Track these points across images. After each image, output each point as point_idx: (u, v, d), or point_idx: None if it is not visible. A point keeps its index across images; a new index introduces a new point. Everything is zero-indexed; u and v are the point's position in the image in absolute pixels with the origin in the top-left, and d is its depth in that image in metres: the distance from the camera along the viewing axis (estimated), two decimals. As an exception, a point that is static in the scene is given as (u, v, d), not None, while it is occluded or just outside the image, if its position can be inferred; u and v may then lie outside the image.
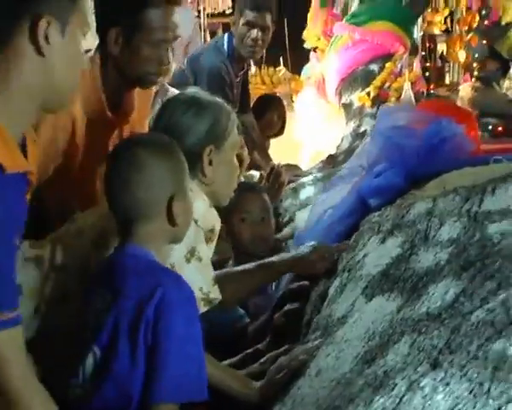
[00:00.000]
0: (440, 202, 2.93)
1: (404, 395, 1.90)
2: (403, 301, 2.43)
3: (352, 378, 2.14)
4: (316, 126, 6.47)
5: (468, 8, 7.32)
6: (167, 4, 3.42)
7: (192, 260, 2.69)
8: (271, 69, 8.14)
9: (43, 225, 2.98)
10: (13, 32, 2.21)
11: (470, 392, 1.87)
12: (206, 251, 2.82)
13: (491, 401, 1.83)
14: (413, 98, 6.29)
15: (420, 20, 6.79)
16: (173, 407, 2.40)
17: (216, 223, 2.86)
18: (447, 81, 7.16)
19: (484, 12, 6.96)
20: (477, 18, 7.17)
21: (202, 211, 2.79)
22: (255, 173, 4.82)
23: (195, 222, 2.70)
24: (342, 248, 3.09)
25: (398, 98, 6.33)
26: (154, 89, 4.92)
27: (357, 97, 6.39)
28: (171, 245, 2.65)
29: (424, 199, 3.00)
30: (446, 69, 7.21)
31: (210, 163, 2.85)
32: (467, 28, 7.15)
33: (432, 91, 6.80)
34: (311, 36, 7.12)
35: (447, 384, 1.90)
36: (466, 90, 6.60)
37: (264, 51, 8.77)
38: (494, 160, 3.21)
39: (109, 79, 3.47)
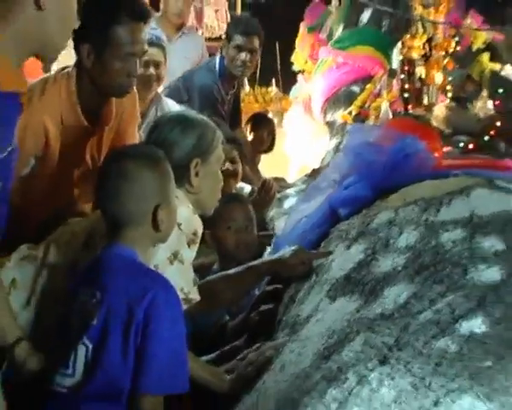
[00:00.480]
0: (401, 211, 2.93)
1: (353, 388, 1.91)
2: (362, 302, 2.44)
3: (311, 373, 2.14)
4: (302, 142, 6.46)
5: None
6: (135, 21, 3.41)
7: (175, 263, 2.67)
8: (264, 89, 8.14)
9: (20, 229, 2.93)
10: None
11: (413, 386, 1.87)
12: (189, 254, 2.80)
13: (430, 393, 1.84)
14: (391, 116, 6.28)
15: (399, 45, 6.65)
16: (158, 399, 2.39)
17: (198, 228, 2.84)
18: (425, 102, 7.05)
19: (457, 39, 6.89)
20: (453, 44, 7.09)
21: (186, 216, 2.77)
22: (245, 186, 4.79)
23: (179, 226, 2.69)
24: (321, 255, 3.06)
25: (377, 117, 6.31)
26: (150, 97, 4.99)
27: (340, 116, 6.38)
28: (155, 247, 2.63)
29: (387, 209, 3.01)
30: (424, 91, 7.09)
31: (196, 174, 2.85)
32: (443, 53, 7.02)
33: (410, 111, 6.69)
34: (298, 59, 7.15)
35: (392, 379, 1.91)
36: (440, 109, 6.56)
37: (258, 72, 8.81)
38: (453, 174, 3.19)
39: (85, 91, 3.49)
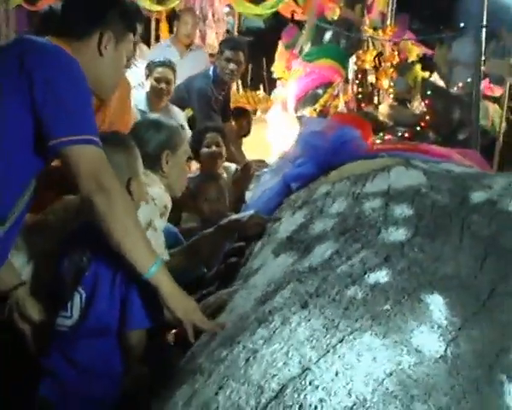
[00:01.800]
0: (336, 185, 2.85)
1: (277, 328, 1.80)
2: (297, 257, 2.34)
3: (249, 314, 2.03)
4: (281, 132, 6.39)
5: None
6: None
7: (149, 229, 2.61)
8: (254, 92, 8.08)
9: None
10: (90, 34, 2.38)
11: (324, 326, 1.76)
12: (160, 223, 2.77)
13: (337, 332, 1.74)
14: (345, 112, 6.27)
15: (354, 58, 6.58)
16: (141, 332, 2.34)
17: (168, 203, 2.86)
18: (375, 102, 6.97)
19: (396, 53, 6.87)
20: (396, 57, 7.06)
21: (159, 194, 2.79)
22: (231, 165, 4.71)
23: (153, 200, 2.65)
24: (272, 220, 2.97)
25: (335, 113, 6.26)
26: (160, 106, 4.94)
27: (308, 112, 6.31)
28: None
29: (326, 183, 2.92)
30: (375, 93, 7.02)
31: (167, 163, 2.83)
32: (389, 64, 6.98)
33: (362, 109, 6.63)
34: (278, 69, 7.18)
35: (308, 320, 1.81)
36: (385, 107, 6.54)
37: (249, 79, 8.75)
38: (380, 156, 3.11)
39: None
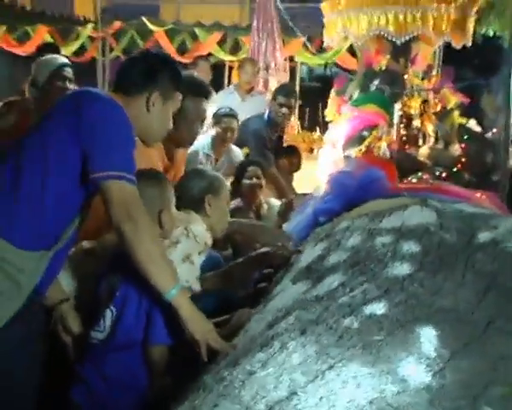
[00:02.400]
0: (356, 221, 2.80)
1: (275, 353, 1.75)
2: (310, 286, 2.27)
3: (256, 337, 2.00)
4: (328, 169, 6.32)
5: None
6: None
7: (187, 262, 2.59)
8: (309, 133, 8.09)
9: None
10: (140, 92, 2.45)
11: (316, 353, 1.70)
12: (197, 259, 2.69)
13: (329, 359, 1.66)
14: (388, 154, 6.16)
15: (399, 104, 6.51)
16: (163, 348, 2.35)
17: (208, 241, 2.79)
18: (420, 143, 6.90)
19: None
20: (439, 105, 6.97)
21: (200, 232, 2.73)
22: (276, 201, 4.63)
23: (195, 238, 2.63)
24: (295, 251, 2.95)
25: (379, 153, 6.19)
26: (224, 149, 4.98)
27: (354, 152, 6.23)
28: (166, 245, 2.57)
29: (348, 219, 2.85)
30: (419, 136, 6.94)
31: (209, 205, 2.77)
32: (433, 111, 6.90)
33: (405, 150, 6.55)
34: (329, 113, 7.09)
35: (304, 346, 1.74)
36: (425, 149, 6.45)
37: (307, 122, 8.74)
38: (401, 195, 3.02)
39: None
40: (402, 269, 2.18)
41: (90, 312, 2.51)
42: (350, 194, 3.11)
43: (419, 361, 1.70)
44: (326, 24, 6.46)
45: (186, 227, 2.65)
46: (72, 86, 4.25)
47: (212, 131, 5.07)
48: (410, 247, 2.34)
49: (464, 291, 2.09)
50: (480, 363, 1.78)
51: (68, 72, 4.28)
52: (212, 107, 5.39)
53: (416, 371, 1.66)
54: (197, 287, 2.62)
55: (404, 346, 1.74)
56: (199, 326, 2.22)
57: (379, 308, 1.91)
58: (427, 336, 1.80)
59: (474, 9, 5.74)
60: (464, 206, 2.95)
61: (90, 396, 2.36)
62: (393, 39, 5.86)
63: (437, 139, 7.17)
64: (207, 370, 1.97)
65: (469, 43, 6.12)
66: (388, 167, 3.55)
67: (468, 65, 7.66)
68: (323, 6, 6.40)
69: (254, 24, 7.56)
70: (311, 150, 7.88)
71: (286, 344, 1.74)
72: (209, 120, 4.97)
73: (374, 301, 1.95)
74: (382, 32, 5.85)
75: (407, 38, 5.85)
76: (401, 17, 5.63)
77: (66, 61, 4.44)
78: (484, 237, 2.40)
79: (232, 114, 5.10)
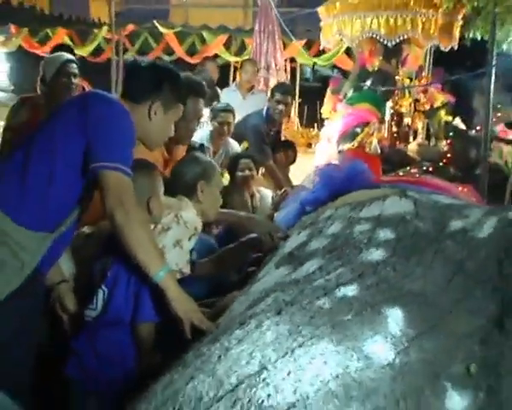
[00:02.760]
0: (339, 210, 2.77)
1: (251, 331, 1.74)
2: (291, 271, 2.25)
3: (236, 317, 1.99)
4: (324, 162, 6.32)
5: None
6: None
7: (177, 247, 2.59)
8: (308, 129, 8.07)
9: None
10: (143, 100, 2.47)
11: (289, 331, 1.69)
12: (188, 244, 2.70)
13: (299, 337, 1.66)
14: (378, 149, 6.16)
15: (391, 103, 6.49)
16: (150, 325, 2.35)
17: (198, 226, 2.78)
18: (411, 140, 6.88)
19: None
20: (428, 104, 6.95)
21: (191, 218, 2.72)
22: (268, 192, 4.61)
23: (185, 224, 2.64)
24: (283, 237, 2.95)
25: (370, 149, 6.19)
26: (222, 142, 4.96)
27: (347, 148, 6.22)
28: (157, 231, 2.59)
29: (331, 208, 2.83)
30: (410, 133, 6.93)
31: (202, 191, 2.76)
32: (423, 109, 6.87)
33: (395, 146, 6.54)
34: (325, 111, 7.09)
35: (277, 325, 1.73)
36: (413, 145, 6.45)
37: (305, 119, 8.71)
38: (382, 186, 3.02)
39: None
40: (376, 254, 2.17)
41: (86, 292, 2.52)
42: (336, 185, 3.09)
43: (385, 340, 1.69)
44: (323, 27, 6.46)
45: (177, 214, 2.65)
46: (76, 81, 4.28)
47: (210, 126, 5.06)
48: (386, 234, 2.32)
49: (433, 276, 2.08)
50: (443, 343, 1.77)
51: (73, 67, 4.30)
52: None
53: (381, 349, 1.65)
54: (187, 270, 2.62)
55: (372, 325, 1.73)
56: (184, 306, 2.24)
57: (351, 290, 1.89)
58: (395, 317, 1.79)
59: (461, 15, 5.73)
60: (441, 197, 2.93)
61: (82, 370, 2.39)
62: (385, 41, 5.85)
63: (429, 136, 7.16)
64: (191, 347, 1.97)
65: (456, 46, 6.08)
66: (373, 161, 3.56)
67: (458, 66, 7.60)
68: (320, 10, 6.40)
69: (256, 27, 7.55)
70: (310, 145, 7.89)
71: (261, 323, 1.73)
72: (207, 114, 4.99)
73: (347, 284, 1.94)
74: (374, 35, 5.86)
75: (397, 40, 5.84)
76: (392, 21, 5.64)
77: (70, 57, 4.45)
78: (455, 225, 2.39)
79: (229, 109, 5.07)
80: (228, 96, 6.49)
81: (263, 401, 1.40)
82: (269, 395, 1.42)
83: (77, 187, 2.35)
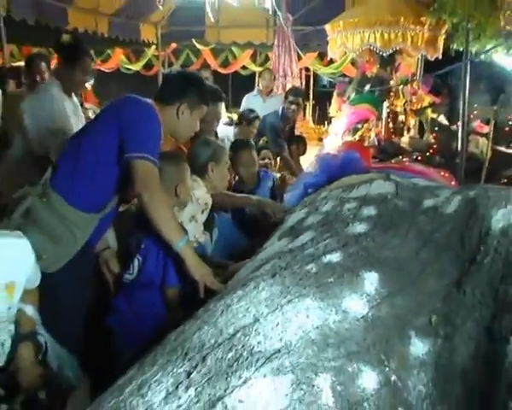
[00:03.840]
0: (333, 191, 2.73)
1: (250, 290, 1.72)
2: (289, 242, 2.22)
3: (240, 280, 1.98)
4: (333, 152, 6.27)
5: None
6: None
7: (192, 222, 2.61)
8: (319, 126, 8.01)
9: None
10: (172, 102, 2.48)
11: (280, 291, 1.69)
12: (201, 217, 2.72)
13: (288, 295, 1.69)
14: (376, 142, 6.07)
15: (387, 103, 6.38)
16: (174, 289, 2.35)
17: (208, 201, 2.77)
18: (404, 134, 6.77)
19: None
20: (417, 104, 6.85)
21: (202, 195, 2.72)
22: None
23: (197, 201, 2.62)
24: (285, 214, 2.91)
25: (369, 142, 6.11)
26: None
27: (349, 140, 6.16)
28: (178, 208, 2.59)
29: (327, 190, 2.79)
30: (404, 128, 6.83)
31: (212, 171, 2.74)
32: (415, 108, 6.76)
33: (391, 139, 6.42)
34: (332, 110, 7.06)
35: (271, 286, 1.72)
36: (406, 138, 6.34)
37: (317, 117, 8.62)
38: (371, 172, 2.97)
39: None
40: (359, 228, 2.13)
41: (125, 259, 2.54)
42: (332, 171, 3.05)
43: (360, 298, 1.67)
44: (330, 41, 6.38)
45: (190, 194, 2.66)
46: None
47: (236, 128, 5.01)
48: (369, 211, 2.29)
49: (406, 245, 2.05)
50: (411, 300, 1.76)
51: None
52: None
53: (356, 305, 1.64)
54: (202, 239, 2.63)
55: (350, 286, 1.71)
56: (199, 271, 2.24)
57: (335, 257, 1.87)
58: (371, 279, 1.77)
59: (443, 30, 5.62)
60: (419, 180, 2.88)
61: (120, 323, 2.41)
62: (380, 52, 5.77)
63: (421, 131, 7.04)
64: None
65: (440, 56, 5.97)
66: (365, 152, 3.50)
67: (445, 73, 7.49)
68: (327, 28, 6.34)
69: (275, 43, 7.49)
70: (321, 139, 7.81)
71: (258, 284, 1.71)
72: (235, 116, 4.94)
73: (332, 251, 1.91)
74: (372, 47, 5.78)
75: (391, 51, 5.76)
76: (386, 35, 5.57)
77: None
78: (427, 203, 2.35)
79: (258, 117, 5.03)
80: (251, 100, 6.47)
81: (253, 347, 1.40)
82: (259, 343, 1.41)
83: (116, 175, 2.37)
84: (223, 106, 4.12)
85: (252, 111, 5.06)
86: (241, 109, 6.57)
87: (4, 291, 1.95)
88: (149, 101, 2.46)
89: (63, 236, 2.29)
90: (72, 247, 2.31)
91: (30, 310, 2.10)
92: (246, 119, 4.95)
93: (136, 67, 12.58)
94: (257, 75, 10.50)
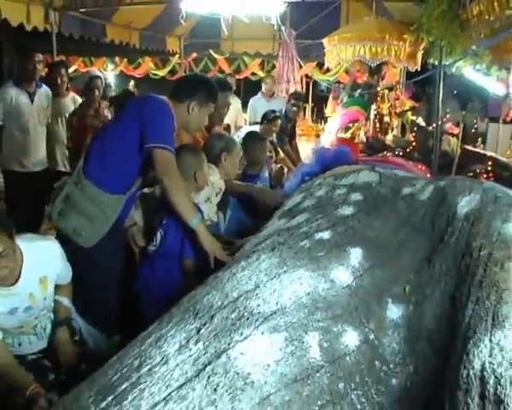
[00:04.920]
0: (326, 179, 2.68)
1: (252, 262, 1.70)
2: (287, 221, 2.20)
3: (245, 253, 1.95)
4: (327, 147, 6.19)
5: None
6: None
7: (207, 203, 2.59)
8: (317, 124, 7.92)
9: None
10: (184, 100, 2.45)
11: (278, 262, 1.68)
12: (215, 200, 2.71)
13: (285, 266, 1.64)
14: (364, 139, 6.00)
15: (374, 106, 6.29)
16: (190, 261, 2.32)
17: (222, 186, 2.75)
18: (388, 133, 6.68)
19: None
20: (400, 108, 6.76)
21: (216, 180, 2.69)
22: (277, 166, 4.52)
23: (212, 185, 2.60)
24: (284, 198, 2.83)
25: (358, 139, 6.04)
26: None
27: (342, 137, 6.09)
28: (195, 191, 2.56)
29: (321, 178, 2.75)
30: (389, 128, 6.72)
31: (225, 160, 2.72)
32: (398, 111, 6.67)
33: (377, 137, 6.32)
34: (328, 111, 7.01)
35: (270, 258, 1.72)
36: (390, 136, 6.25)
37: (315, 117, 8.54)
38: (359, 164, 2.94)
39: None
40: (347, 210, 2.11)
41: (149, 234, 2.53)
42: (326, 162, 3.00)
43: (346, 269, 1.66)
44: (326, 53, 6.30)
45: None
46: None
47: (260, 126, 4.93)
48: (356, 196, 2.26)
49: (387, 226, 2.03)
50: (389, 273, 1.74)
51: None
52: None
53: (343, 275, 1.63)
54: (215, 218, 2.61)
55: (338, 259, 1.70)
56: (210, 244, 2.23)
57: (325, 235, 1.85)
58: (355, 254, 1.76)
59: (422, 46, 5.55)
60: (399, 171, 2.85)
61: (145, 287, 2.40)
62: (369, 63, 5.70)
63: (403, 131, 6.95)
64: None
65: (419, 68, 5.90)
66: (354, 147, 3.45)
67: (423, 83, 7.40)
68: (325, 41, 6.25)
69: (280, 53, 7.40)
70: (318, 136, 7.70)
71: (260, 257, 1.70)
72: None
73: (323, 230, 1.89)
74: (362, 58, 5.70)
75: (378, 62, 5.69)
76: (374, 48, 5.51)
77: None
78: (405, 191, 2.32)
79: (278, 116, 4.97)
80: (256, 101, 6.44)
81: (253, 309, 1.39)
82: (258, 305, 1.40)
83: (137, 161, 2.35)
84: (236, 99, 3.93)
85: (273, 111, 5.03)
86: (248, 110, 6.58)
87: (39, 284, 1.99)
88: (165, 98, 2.44)
89: (96, 216, 2.29)
90: (104, 224, 2.32)
91: (65, 301, 2.15)
92: (267, 118, 4.91)
93: (163, 72, 12.50)
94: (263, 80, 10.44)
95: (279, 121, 4.91)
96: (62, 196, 2.29)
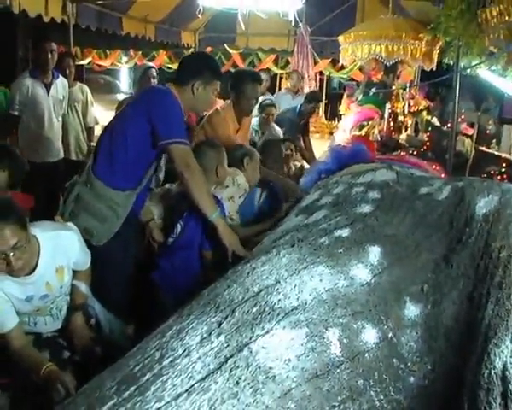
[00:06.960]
0: (343, 177, 2.68)
1: (272, 257, 1.72)
2: (305, 218, 2.21)
3: (264, 247, 1.96)
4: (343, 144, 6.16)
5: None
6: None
7: (230, 201, 2.60)
8: (330, 122, 7.89)
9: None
10: (188, 82, 2.36)
11: (297, 258, 1.69)
12: (238, 200, 2.69)
13: (304, 262, 1.66)
14: (378, 137, 5.97)
15: (389, 105, 6.25)
16: (209, 252, 2.35)
17: (246, 188, 2.76)
18: (402, 132, 6.65)
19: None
20: (414, 107, 6.70)
21: (242, 182, 2.70)
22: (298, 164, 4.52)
23: (238, 186, 2.63)
24: (303, 195, 2.82)
25: (373, 137, 6.01)
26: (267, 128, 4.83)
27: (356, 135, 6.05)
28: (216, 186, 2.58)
29: (338, 176, 2.75)
30: (403, 127, 6.68)
31: (247, 165, 2.73)
32: (412, 110, 6.62)
33: (391, 136, 6.29)
34: (342, 109, 6.97)
35: (290, 254, 1.72)
36: (404, 136, 6.21)
37: (329, 114, 8.50)
38: (375, 162, 2.93)
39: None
40: (365, 208, 2.11)
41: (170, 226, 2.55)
42: (342, 160, 3.00)
43: (365, 267, 1.67)
44: (342, 50, 6.27)
45: (233, 178, 2.65)
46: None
47: (258, 116, 4.94)
48: (374, 194, 2.26)
49: (404, 225, 2.03)
50: (407, 271, 1.75)
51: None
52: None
53: (362, 273, 1.64)
54: (236, 217, 2.62)
55: (357, 256, 1.71)
56: (229, 239, 2.23)
57: (344, 232, 1.86)
58: (374, 252, 1.77)
59: (438, 45, 5.50)
60: (416, 171, 2.85)
61: (163, 278, 2.41)
62: (384, 61, 5.67)
63: (417, 130, 6.91)
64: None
65: (435, 68, 5.86)
66: (370, 145, 3.44)
67: (436, 82, 7.38)
68: (340, 38, 6.21)
69: (295, 49, 7.39)
70: (331, 133, 7.71)
71: (279, 252, 1.71)
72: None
73: (342, 227, 1.90)
74: (377, 56, 5.66)
75: (394, 61, 5.66)
76: (390, 47, 5.46)
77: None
78: (423, 190, 2.32)
79: (272, 104, 4.93)
80: (282, 97, 6.40)
81: (275, 304, 1.40)
82: (279, 300, 1.41)
83: (146, 156, 2.31)
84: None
85: (265, 100, 5.02)
86: None
87: (56, 274, 2.00)
88: (167, 87, 2.37)
89: (107, 215, 2.26)
90: (115, 222, 2.28)
91: (83, 287, 2.15)
92: (260, 107, 4.89)
93: (176, 66, 12.55)
94: (278, 76, 10.40)
95: (272, 109, 4.86)
96: (73, 195, 2.28)
